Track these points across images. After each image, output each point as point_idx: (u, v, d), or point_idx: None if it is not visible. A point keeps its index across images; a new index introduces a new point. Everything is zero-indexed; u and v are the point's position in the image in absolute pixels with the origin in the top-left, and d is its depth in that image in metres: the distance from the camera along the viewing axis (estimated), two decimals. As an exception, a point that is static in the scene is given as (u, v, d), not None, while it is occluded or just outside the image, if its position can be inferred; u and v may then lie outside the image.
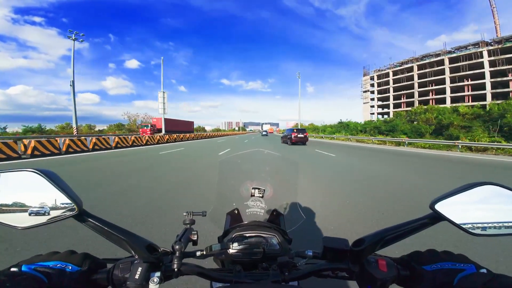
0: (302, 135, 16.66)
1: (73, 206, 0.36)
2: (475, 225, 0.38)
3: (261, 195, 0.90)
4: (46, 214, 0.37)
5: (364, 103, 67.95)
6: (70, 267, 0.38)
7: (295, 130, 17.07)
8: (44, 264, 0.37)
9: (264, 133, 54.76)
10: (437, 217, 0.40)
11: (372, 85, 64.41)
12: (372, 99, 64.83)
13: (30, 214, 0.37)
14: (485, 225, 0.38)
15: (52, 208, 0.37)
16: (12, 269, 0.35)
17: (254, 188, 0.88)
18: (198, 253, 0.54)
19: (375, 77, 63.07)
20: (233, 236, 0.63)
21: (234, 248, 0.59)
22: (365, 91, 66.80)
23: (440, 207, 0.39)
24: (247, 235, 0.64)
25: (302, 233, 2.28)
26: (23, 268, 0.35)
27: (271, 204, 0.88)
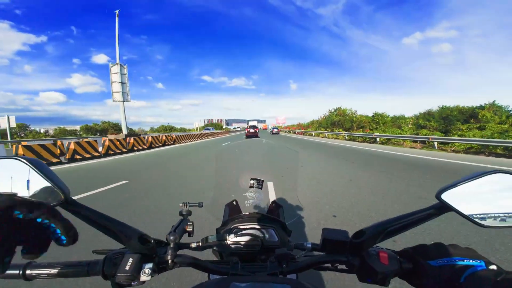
0: (277, 130, 38.92)
1: (59, 194, 0.35)
2: (484, 215, 0.36)
3: (260, 186, 0.89)
4: None
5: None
6: None
7: (274, 127, 35.77)
8: None
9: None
10: (444, 208, 0.38)
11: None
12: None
13: None
14: (495, 215, 0.35)
15: (39, 196, 0.35)
16: None
17: (253, 179, 0.86)
18: (193, 245, 0.53)
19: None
20: (231, 227, 0.63)
21: (231, 239, 0.58)
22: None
23: (447, 196, 0.37)
24: (245, 226, 0.63)
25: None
26: None
27: (270, 195, 0.87)
